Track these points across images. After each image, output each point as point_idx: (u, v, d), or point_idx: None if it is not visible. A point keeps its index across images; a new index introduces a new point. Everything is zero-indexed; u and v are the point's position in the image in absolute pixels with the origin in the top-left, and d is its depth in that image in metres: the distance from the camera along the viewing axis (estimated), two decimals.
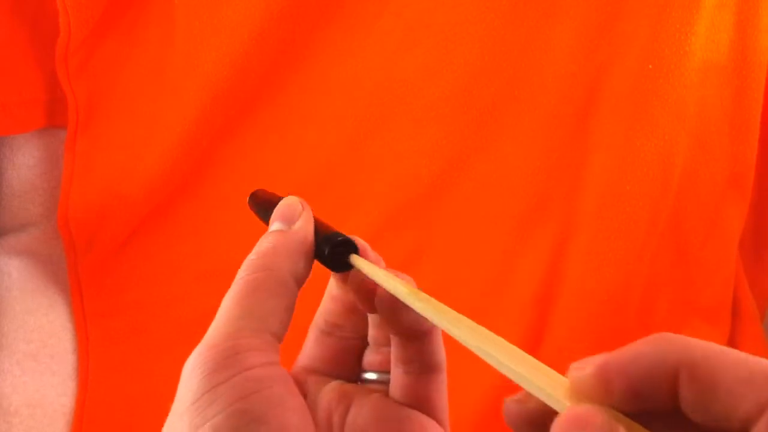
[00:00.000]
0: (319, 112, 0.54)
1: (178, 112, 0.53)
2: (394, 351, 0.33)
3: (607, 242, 0.55)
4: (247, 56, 0.52)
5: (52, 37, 0.52)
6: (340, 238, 0.32)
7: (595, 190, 0.55)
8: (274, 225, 0.33)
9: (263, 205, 0.36)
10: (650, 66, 0.53)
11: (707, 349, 0.23)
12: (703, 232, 0.58)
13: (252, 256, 0.31)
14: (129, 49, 0.53)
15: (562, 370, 0.24)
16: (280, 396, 0.27)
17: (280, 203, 0.34)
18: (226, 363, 0.27)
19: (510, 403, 0.26)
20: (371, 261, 0.32)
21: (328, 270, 0.33)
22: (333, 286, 0.34)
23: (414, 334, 0.32)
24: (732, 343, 0.59)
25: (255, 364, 0.27)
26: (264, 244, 0.32)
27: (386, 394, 0.33)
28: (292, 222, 0.33)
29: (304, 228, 0.33)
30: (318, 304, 0.35)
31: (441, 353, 0.33)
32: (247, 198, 0.37)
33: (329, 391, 0.33)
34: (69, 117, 0.54)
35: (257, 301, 0.30)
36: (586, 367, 0.24)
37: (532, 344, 0.55)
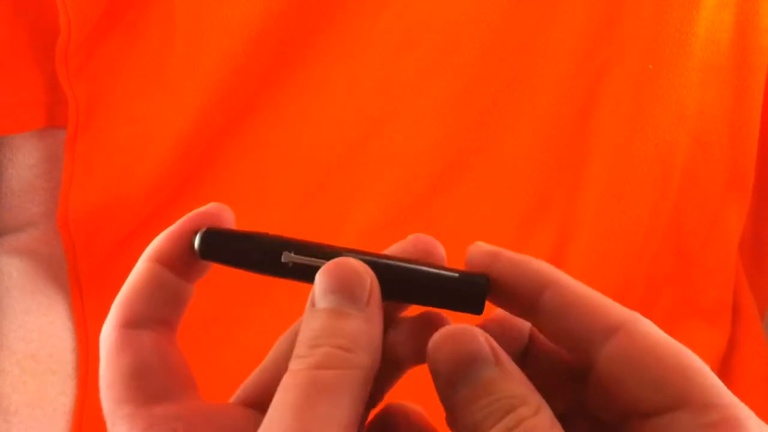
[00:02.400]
0: (319, 113, 0.54)
1: (178, 112, 0.53)
2: None
3: (607, 242, 0.55)
4: (247, 57, 0.52)
5: (52, 37, 0.52)
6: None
7: (595, 190, 0.55)
8: (331, 301, 0.26)
9: (246, 252, 0.28)
10: (650, 66, 0.53)
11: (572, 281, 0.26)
12: (703, 233, 0.58)
13: (307, 344, 0.25)
14: (129, 49, 0.53)
15: None
16: None
17: (333, 266, 0.26)
18: None
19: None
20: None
21: None
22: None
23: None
24: (732, 343, 0.59)
25: None
26: (333, 332, 0.25)
27: None
28: (361, 301, 0.26)
29: (380, 315, 0.26)
30: None
31: None
32: (198, 240, 0.29)
33: None
34: (69, 117, 0.54)
35: (331, 409, 0.23)
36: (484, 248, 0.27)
37: None
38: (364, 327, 0.25)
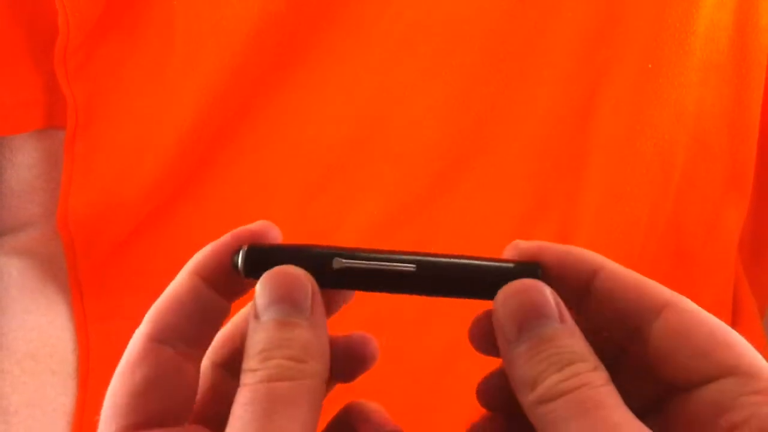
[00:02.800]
0: (319, 113, 0.54)
1: (177, 113, 0.53)
2: None
3: (606, 242, 0.55)
4: (247, 57, 0.52)
5: (51, 38, 0.52)
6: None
7: (594, 190, 0.55)
8: (276, 312, 0.25)
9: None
10: (650, 65, 0.53)
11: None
12: (703, 232, 0.58)
13: (257, 357, 0.24)
14: (128, 50, 0.53)
15: None
16: None
17: (273, 275, 0.26)
18: None
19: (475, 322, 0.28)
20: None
21: None
22: None
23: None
24: None
25: None
26: (282, 343, 0.25)
27: None
28: (305, 309, 0.26)
29: (323, 318, 0.26)
30: None
31: None
32: (242, 258, 0.27)
33: None
34: (68, 117, 0.54)
35: (290, 421, 0.23)
36: (527, 244, 0.28)
37: None
38: (312, 334, 0.25)
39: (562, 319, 0.25)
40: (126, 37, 0.53)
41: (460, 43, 0.53)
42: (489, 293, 0.27)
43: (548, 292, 0.26)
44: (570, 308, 0.26)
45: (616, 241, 0.55)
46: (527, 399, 0.24)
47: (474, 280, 0.28)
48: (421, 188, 0.55)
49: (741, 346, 0.26)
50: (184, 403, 0.27)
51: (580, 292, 0.28)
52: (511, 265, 0.28)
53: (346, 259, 0.27)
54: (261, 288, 0.26)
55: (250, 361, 0.24)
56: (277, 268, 0.26)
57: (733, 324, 0.61)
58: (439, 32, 0.53)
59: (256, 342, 0.25)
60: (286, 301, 0.25)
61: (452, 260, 0.28)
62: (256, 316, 0.25)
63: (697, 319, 0.26)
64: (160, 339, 0.27)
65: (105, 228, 0.55)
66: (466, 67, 0.53)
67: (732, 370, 0.25)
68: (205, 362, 0.29)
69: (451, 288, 0.28)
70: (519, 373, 0.25)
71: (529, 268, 0.27)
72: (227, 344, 0.30)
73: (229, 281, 0.28)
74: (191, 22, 0.52)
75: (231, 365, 0.29)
